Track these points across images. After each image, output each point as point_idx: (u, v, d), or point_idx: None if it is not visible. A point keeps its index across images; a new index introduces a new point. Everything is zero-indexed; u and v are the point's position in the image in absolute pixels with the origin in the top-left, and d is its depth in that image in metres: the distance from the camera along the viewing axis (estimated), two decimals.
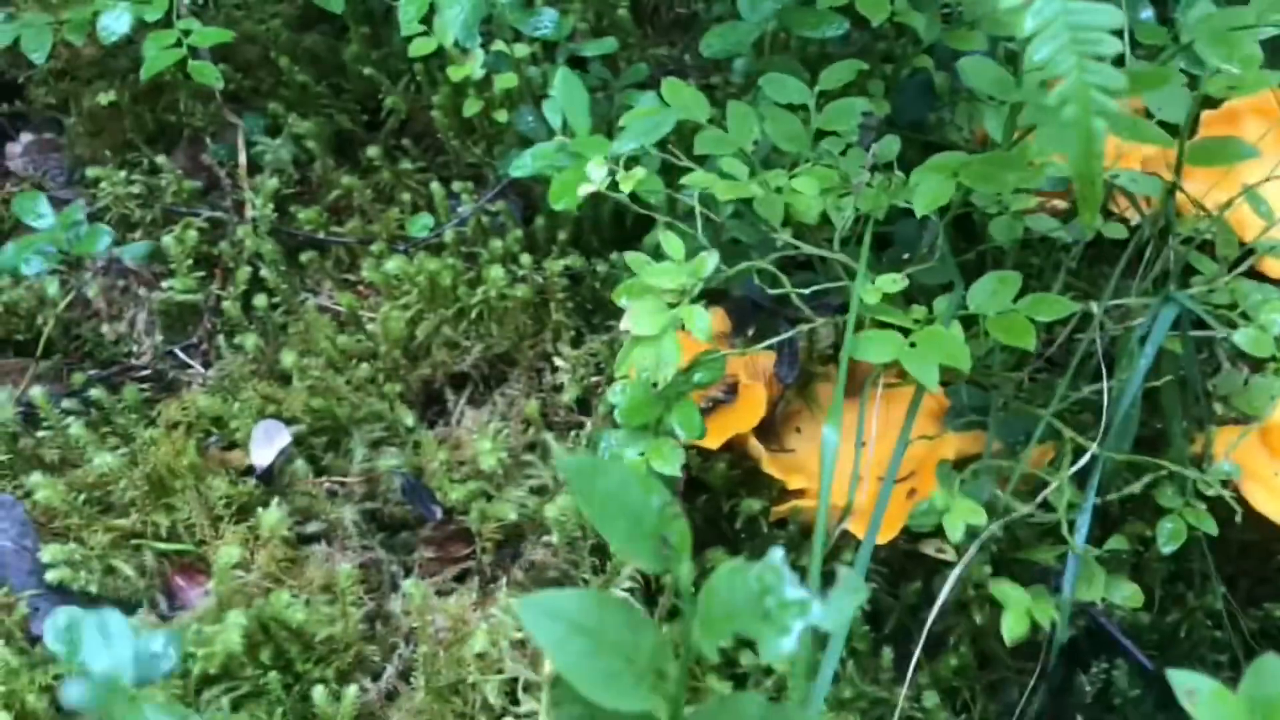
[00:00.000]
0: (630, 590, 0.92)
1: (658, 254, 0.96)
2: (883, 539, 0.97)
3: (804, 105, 1.01)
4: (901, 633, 1.04)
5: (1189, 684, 0.50)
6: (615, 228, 1.26)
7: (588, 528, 0.95)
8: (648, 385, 0.82)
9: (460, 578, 0.97)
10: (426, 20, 1.19)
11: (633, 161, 0.92)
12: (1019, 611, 0.84)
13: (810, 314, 0.91)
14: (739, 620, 0.47)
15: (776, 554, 0.50)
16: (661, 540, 0.42)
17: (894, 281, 0.86)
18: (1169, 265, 1.05)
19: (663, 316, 0.81)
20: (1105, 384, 0.91)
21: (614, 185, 0.94)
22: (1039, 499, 0.88)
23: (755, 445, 1.02)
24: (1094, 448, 0.88)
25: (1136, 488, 0.92)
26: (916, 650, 0.96)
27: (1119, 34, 0.61)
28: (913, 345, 0.81)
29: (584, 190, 0.89)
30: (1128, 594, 0.96)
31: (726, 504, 1.03)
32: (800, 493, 1.01)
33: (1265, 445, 1.18)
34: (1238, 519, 1.06)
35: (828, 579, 1.03)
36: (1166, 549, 1.00)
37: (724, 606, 0.45)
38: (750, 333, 1.08)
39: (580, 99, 0.98)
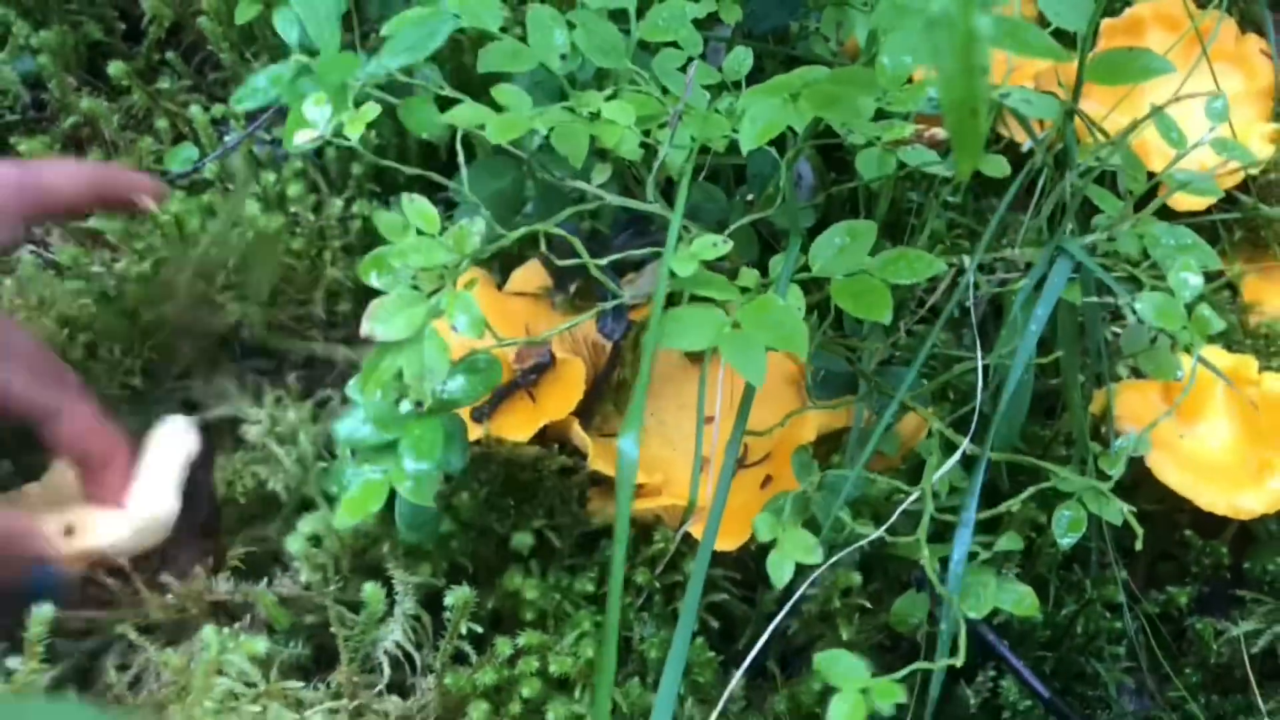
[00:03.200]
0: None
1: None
2: (729, 545, 0.80)
3: (624, 10, 0.81)
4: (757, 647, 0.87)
5: None
6: (425, 158, 1.06)
7: (341, 557, 0.76)
8: (391, 401, 0.62)
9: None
10: None
11: (365, 97, 0.71)
12: (852, 697, 0.60)
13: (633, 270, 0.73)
14: None
15: None
16: None
17: (713, 246, 0.67)
18: (1065, 200, 0.89)
19: (418, 309, 0.61)
20: (979, 363, 0.74)
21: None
22: (895, 514, 0.70)
23: (579, 434, 0.82)
24: (965, 443, 0.71)
25: (1013, 507, 0.75)
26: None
27: None
28: (736, 325, 0.62)
29: (303, 138, 0.68)
30: (1020, 599, 0.81)
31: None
32: (636, 490, 0.83)
33: (1170, 404, 1.04)
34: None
35: (668, 593, 0.86)
36: (1065, 541, 0.84)
37: None
38: (573, 288, 0.89)
39: (323, 3, 0.76)
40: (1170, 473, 0.96)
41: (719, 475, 0.71)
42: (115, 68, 1.05)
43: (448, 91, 0.74)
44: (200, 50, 1.14)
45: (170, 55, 1.12)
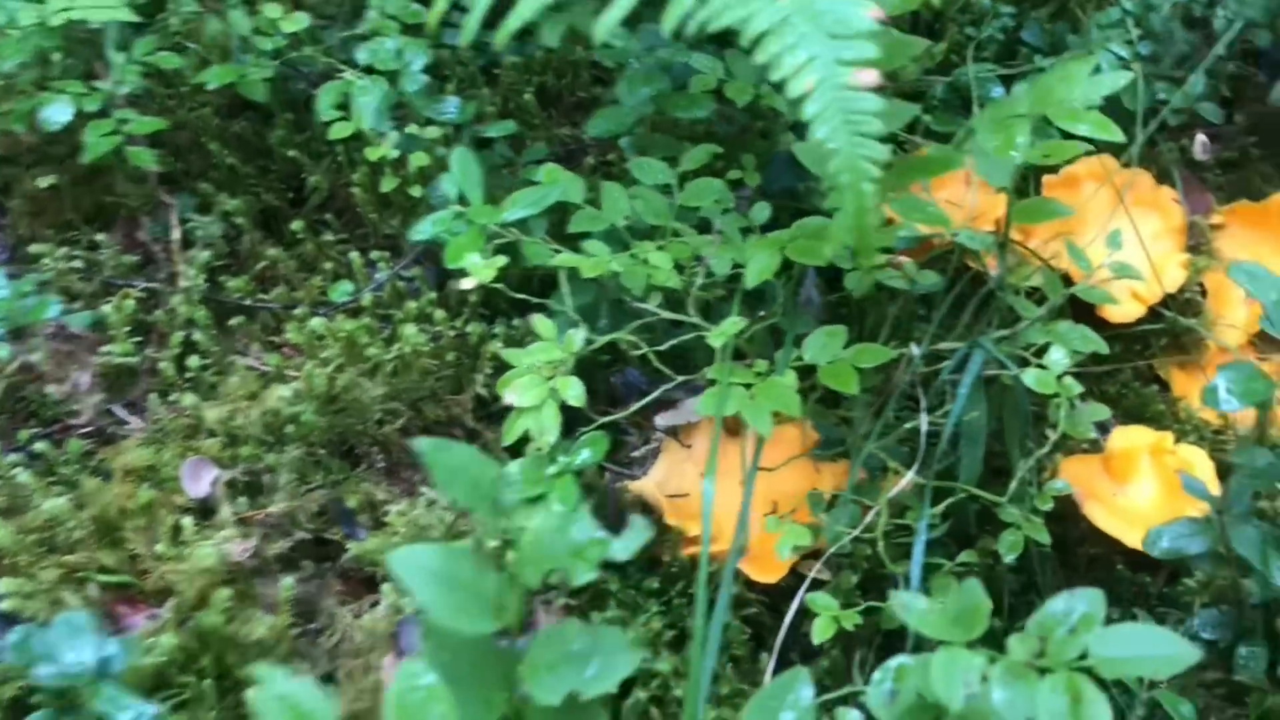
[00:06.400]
0: None
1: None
2: (770, 577, 1.10)
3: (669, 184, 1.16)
4: (782, 645, 1.16)
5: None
6: (522, 288, 1.39)
7: None
8: (540, 459, 0.94)
9: (374, 605, 1.09)
10: (345, 107, 1.33)
11: (502, 250, 1.06)
12: (826, 618, 1.03)
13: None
14: (554, 559, 0.61)
15: (584, 509, 0.63)
16: (494, 501, 0.54)
17: (734, 324, 1.00)
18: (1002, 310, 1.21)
19: (541, 388, 0.94)
20: (923, 421, 1.05)
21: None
22: (862, 524, 1.02)
23: (655, 496, 1.14)
24: (910, 474, 1.02)
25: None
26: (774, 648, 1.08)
27: (880, 116, 0.75)
28: (752, 398, 0.96)
29: (468, 284, 1.04)
30: (974, 601, 1.09)
31: None
32: (689, 539, 1.13)
33: (1107, 470, 1.33)
34: (1081, 535, 1.22)
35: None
36: (1008, 558, 1.13)
37: (542, 548, 0.59)
38: (633, 407, 1.20)
39: (474, 174, 1.12)
40: (1105, 520, 1.24)
41: (740, 517, 1.02)
42: (296, 224, 1.40)
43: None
44: (348, 212, 1.48)
45: (327, 215, 1.47)
